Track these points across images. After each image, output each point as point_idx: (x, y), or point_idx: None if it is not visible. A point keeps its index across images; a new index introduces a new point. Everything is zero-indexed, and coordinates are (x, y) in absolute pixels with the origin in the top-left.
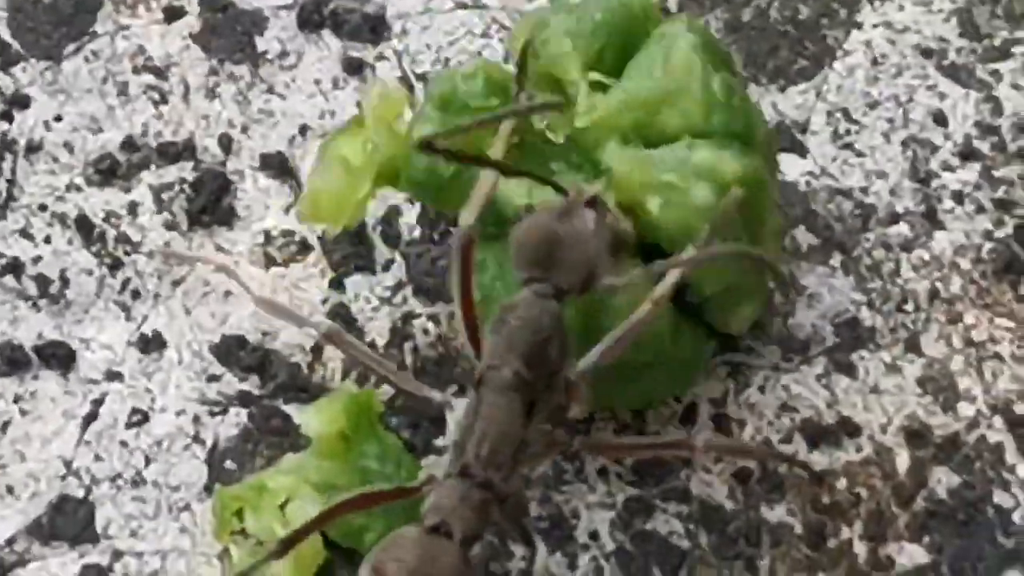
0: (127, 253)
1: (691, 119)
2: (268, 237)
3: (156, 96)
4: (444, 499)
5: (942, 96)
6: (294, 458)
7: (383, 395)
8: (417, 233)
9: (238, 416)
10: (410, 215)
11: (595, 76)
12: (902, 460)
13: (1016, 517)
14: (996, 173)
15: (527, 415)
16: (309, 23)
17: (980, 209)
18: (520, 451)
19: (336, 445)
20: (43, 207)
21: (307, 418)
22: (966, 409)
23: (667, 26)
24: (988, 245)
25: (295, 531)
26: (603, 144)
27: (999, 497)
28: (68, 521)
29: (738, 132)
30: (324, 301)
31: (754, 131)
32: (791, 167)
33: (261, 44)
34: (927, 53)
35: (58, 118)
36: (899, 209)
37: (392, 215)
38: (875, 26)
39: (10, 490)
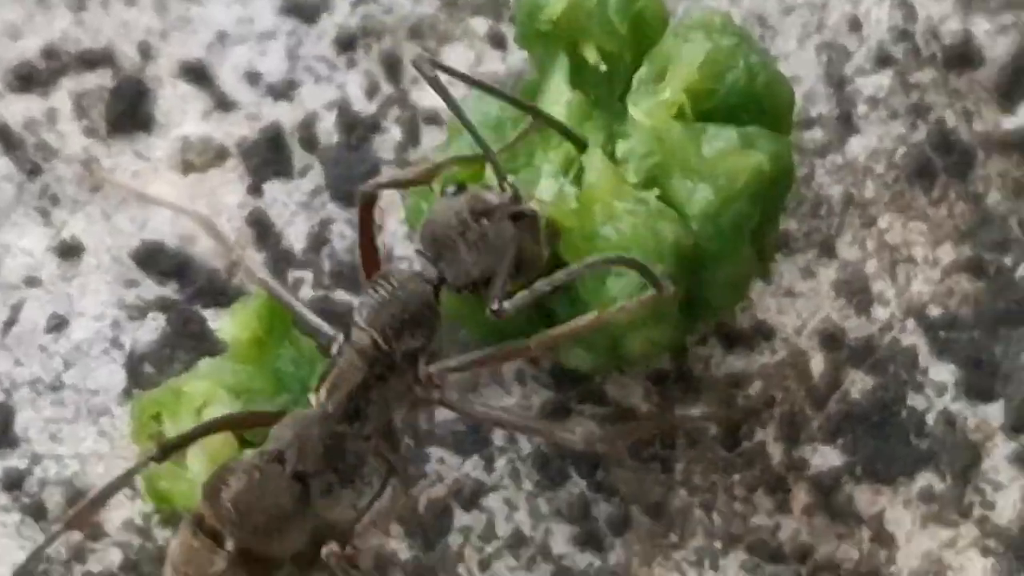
0: (46, 159)
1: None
2: (186, 143)
3: (75, 3)
4: (285, 430)
5: (856, 2)
6: (210, 363)
7: None
8: (336, 139)
9: (156, 321)
10: (328, 120)
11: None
12: (817, 362)
13: (929, 419)
14: (910, 79)
15: (383, 378)
16: None
17: (894, 114)
18: (376, 406)
19: (251, 350)
20: None
21: (223, 323)
22: (880, 312)
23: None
24: (902, 150)
25: (177, 437)
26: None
27: (912, 399)
28: None
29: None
30: (241, 206)
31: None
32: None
33: None
34: None
35: None
36: (813, 114)
37: (311, 120)
38: None
39: None
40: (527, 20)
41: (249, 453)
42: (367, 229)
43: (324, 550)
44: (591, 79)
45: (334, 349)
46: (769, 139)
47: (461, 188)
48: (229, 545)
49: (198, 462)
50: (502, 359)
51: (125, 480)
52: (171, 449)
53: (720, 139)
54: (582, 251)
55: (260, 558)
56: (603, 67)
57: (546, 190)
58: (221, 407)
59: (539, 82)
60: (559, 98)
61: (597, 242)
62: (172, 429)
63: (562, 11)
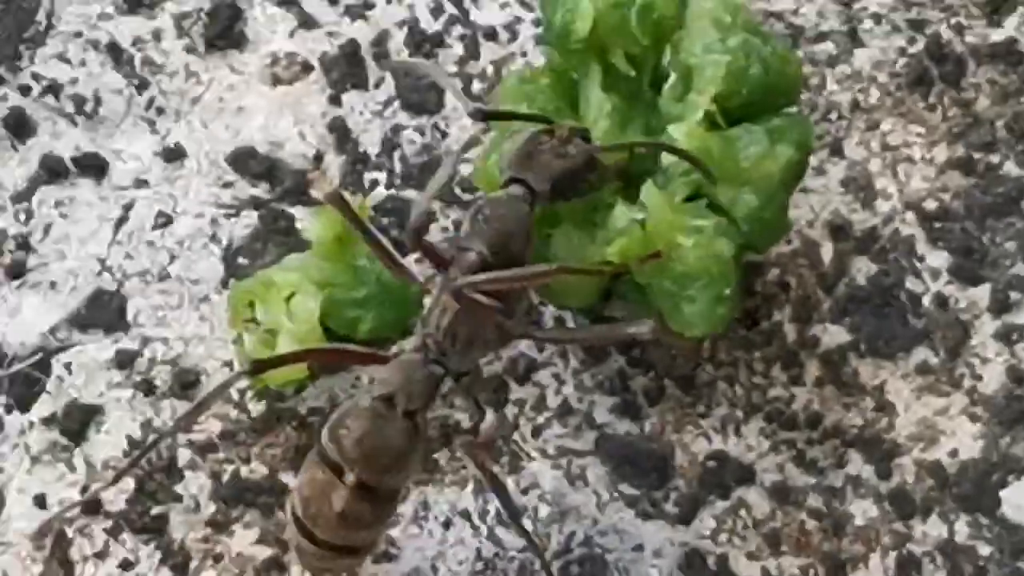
0: (152, 74)
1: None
2: (275, 59)
3: None
4: (394, 373)
5: None
6: (297, 257)
7: (373, 200)
8: (405, 54)
9: (249, 218)
10: (399, 38)
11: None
12: (826, 251)
13: (925, 300)
14: None
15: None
16: None
17: (895, 29)
18: (475, 334)
19: (333, 247)
20: (78, 34)
21: (308, 223)
22: (882, 206)
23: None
24: (902, 60)
25: (271, 358)
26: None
27: (910, 283)
28: (103, 311)
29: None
30: (323, 115)
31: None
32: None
33: None
34: None
35: None
36: (824, 29)
37: (383, 37)
38: None
39: (52, 285)
40: (559, 41)
41: (361, 394)
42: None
43: (459, 440)
44: (623, 82)
45: (436, 281)
46: (792, 127)
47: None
48: (349, 479)
49: (287, 347)
50: (518, 282)
51: (222, 390)
52: (261, 368)
53: (752, 143)
54: (655, 275)
55: (377, 488)
56: (632, 72)
57: (620, 219)
58: (307, 298)
59: (577, 92)
60: (601, 107)
61: (668, 268)
62: (263, 314)
63: (590, 30)
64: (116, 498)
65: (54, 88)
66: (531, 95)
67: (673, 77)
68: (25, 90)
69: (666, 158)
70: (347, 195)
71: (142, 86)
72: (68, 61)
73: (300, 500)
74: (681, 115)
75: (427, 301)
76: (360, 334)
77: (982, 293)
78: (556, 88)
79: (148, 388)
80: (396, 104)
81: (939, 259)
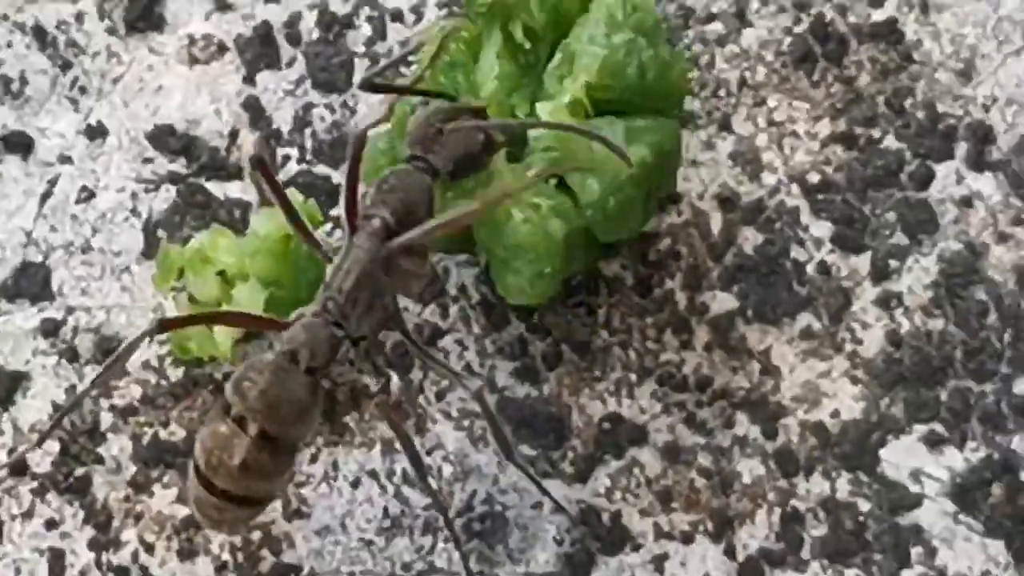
0: (75, 55)
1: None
2: (192, 40)
3: None
4: (298, 332)
5: None
6: (235, 243)
7: (286, 175)
8: (316, 35)
9: (168, 192)
10: (309, 19)
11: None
12: (715, 222)
13: (809, 269)
14: None
15: (387, 265)
16: None
17: (781, 9)
18: (375, 299)
19: (280, 244)
20: (4, 17)
21: (259, 221)
22: (768, 178)
23: None
24: (788, 40)
25: (174, 317)
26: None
27: (795, 252)
28: (29, 282)
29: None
30: (238, 94)
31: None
32: None
33: None
34: None
35: None
36: (714, 10)
37: (295, 19)
38: None
39: None
40: (468, 2)
41: (266, 351)
42: (355, 160)
43: (374, 401)
44: (520, 52)
45: (343, 244)
46: (654, 131)
47: (427, 103)
48: (252, 430)
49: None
50: (453, 224)
51: (134, 346)
52: (168, 326)
53: (609, 136)
54: (490, 241)
55: (278, 439)
56: (527, 44)
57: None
58: (253, 290)
59: (477, 53)
60: (493, 69)
61: (502, 237)
62: (197, 287)
63: None
64: (42, 460)
65: None
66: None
67: (558, 58)
68: None
69: (532, 135)
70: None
71: (66, 67)
72: None
73: (202, 451)
74: (556, 95)
75: (328, 269)
76: None
77: (863, 261)
78: (471, 45)
79: (72, 355)
80: (307, 83)
81: (822, 229)
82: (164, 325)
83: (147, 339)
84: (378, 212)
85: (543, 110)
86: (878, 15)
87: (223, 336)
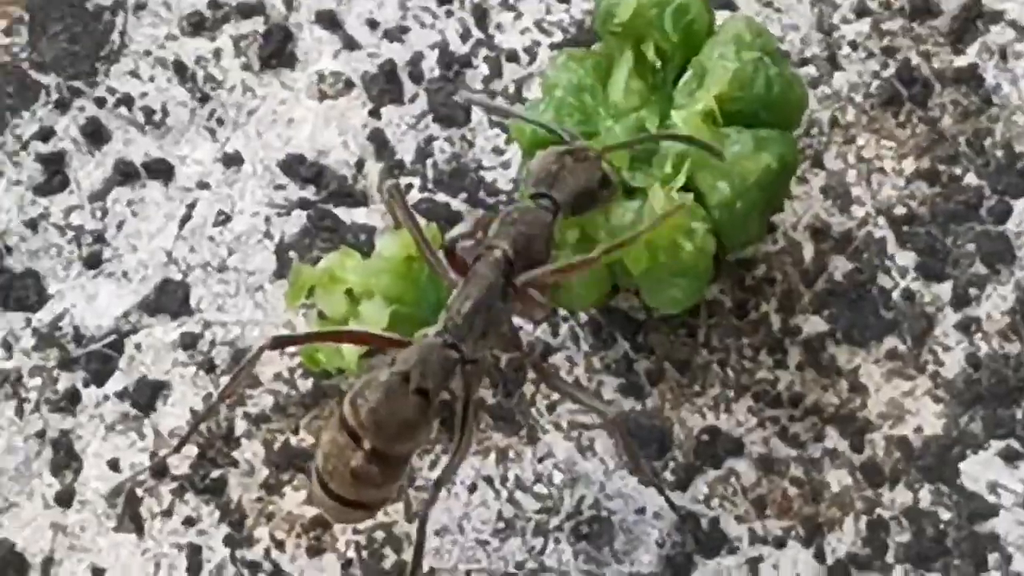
0: (213, 89)
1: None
2: (321, 76)
3: None
4: (411, 353)
5: None
6: (362, 264)
7: (410, 201)
8: (436, 73)
9: (299, 217)
10: (431, 58)
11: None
12: (808, 250)
13: (894, 295)
14: (883, 26)
15: (504, 294)
16: None
17: (870, 55)
18: (492, 324)
19: (403, 265)
20: (148, 52)
21: (385, 242)
22: (857, 211)
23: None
24: (876, 83)
25: (294, 335)
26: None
27: (881, 280)
28: (169, 299)
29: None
30: (364, 126)
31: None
32: (724, 19)
33: None
34: None
35: None
36: (807, 55)
37: (417, 58)
38: None
39: (125, 275)
40: (602, 21)
41: (382, 370)
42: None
43: (416, 503)
44: (650, 71)
45: (469, 273)
46: (778, 142)
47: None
48: (366, 444)
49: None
50: (573, 269)
51: (254, 360)
52: (283, 343)
53: (739, 144)
54: (648, 270)
55: (389, 455)
56: (659, 64)
57: (624, 215)
58: (378, 306)
59: (611, 70)
60: (626, 85)
61: (661, 269)
62: (327, 306)
63: (629, 17)
64: (181, 463)
65: (127, 100)
66: (573, 70)
67: (689, 74)
68: (101, 102)
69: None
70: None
71: (204, 99)
72: (139, 77)
73: (321, 456)
74: (687, 107)
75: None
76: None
77: (945, 289)
78: (596, 69)
79: (209, 366)
80: (429, 118)
81: (907, 258)
82: (278, 342)
83: (265, 352)
84: (499, 244)
85: (678, 118)
86: (960, 61)
87: (350, 350)
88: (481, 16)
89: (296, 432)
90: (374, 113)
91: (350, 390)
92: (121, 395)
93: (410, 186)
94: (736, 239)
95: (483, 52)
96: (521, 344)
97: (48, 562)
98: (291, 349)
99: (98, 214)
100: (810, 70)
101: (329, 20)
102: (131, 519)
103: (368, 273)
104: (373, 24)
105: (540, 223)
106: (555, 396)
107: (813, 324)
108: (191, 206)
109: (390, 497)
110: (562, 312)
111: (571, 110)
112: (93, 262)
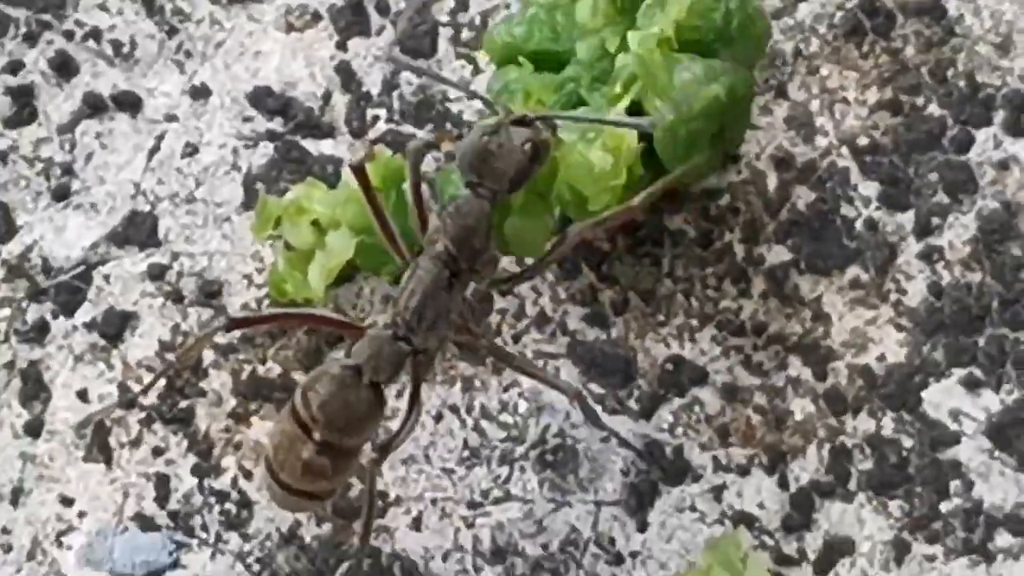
0: (181, 22)
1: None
2: (288, 9)
3: None
4: (363, 347)
5: None
6: (328, 195)
7: (375, 133)
8: (403, 4)
9: (266, 148)
10: None
11: None
12: (771, 181)
13: (857, 224)
14: None
15: (450, 285)
16: None
17: None
18: (439, 316)
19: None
20: None
21: (348, 173)
22: (821, 141)
23: None
24: (839, 14)
25: (247, 316)
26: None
27: (845, 209)
28: (137, 230)
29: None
30: (331, 59)
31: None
32: None
33: None
34: None
35: None
36: None
37: None
38: None
39: (93, 206)
40: None
41: (333, 362)
42: (416, 175)
43: (366, 459)
44: None
45: (410, 266)
46: (730, 73)
47: (469, 127)
48: (316, 436)
49: (315, 272)
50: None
51: (205, 340)
52: (237, 324)
53: (689, 71)
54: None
55: (340, 448)
56: None
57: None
58: (344, 237)
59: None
60: (592, 4)
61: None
62: (293, 236)
63: None
64: (149, 393)
65: (95, 34)
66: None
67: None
68: (69, 35)
69: (619, 61)
70: (380, 149)
71: (172, 32)
72: (107, 10)
73: (271, 447)
74: (644, 30)
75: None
76: (383, 275)
77: (907, 218)
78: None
79: (177, 297)
80: (396, 49)
81: (870, 188)
82: (233, 323)
83: (214, 333)
84: (440, 237)
85: (633, 40)
86: None
87: (317, 279)
88: None
89: (263, 362)
90: (341, 45)
91: (302, 382)
92: (89, 326)
93: (376, 118)
94: (677, 165)
95: None
96: (473, 329)
97: (17, 492)
98: (259, 279)
99: (67, 146)
100: (774, 1)
101: None
102: (99, 449)
103: (334, 204)
104: None
105: (477, 213)
106: (520, 326)
107: (777, 253)
108: (159, 138)
109: (338, 488)
110: None
111: (541, 26)
112: (62, 194)
